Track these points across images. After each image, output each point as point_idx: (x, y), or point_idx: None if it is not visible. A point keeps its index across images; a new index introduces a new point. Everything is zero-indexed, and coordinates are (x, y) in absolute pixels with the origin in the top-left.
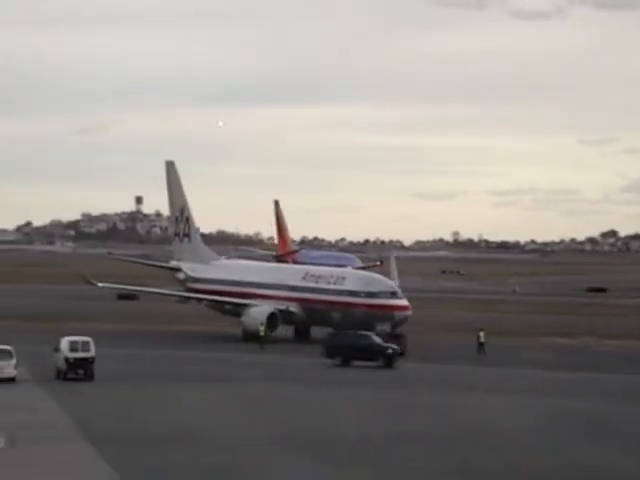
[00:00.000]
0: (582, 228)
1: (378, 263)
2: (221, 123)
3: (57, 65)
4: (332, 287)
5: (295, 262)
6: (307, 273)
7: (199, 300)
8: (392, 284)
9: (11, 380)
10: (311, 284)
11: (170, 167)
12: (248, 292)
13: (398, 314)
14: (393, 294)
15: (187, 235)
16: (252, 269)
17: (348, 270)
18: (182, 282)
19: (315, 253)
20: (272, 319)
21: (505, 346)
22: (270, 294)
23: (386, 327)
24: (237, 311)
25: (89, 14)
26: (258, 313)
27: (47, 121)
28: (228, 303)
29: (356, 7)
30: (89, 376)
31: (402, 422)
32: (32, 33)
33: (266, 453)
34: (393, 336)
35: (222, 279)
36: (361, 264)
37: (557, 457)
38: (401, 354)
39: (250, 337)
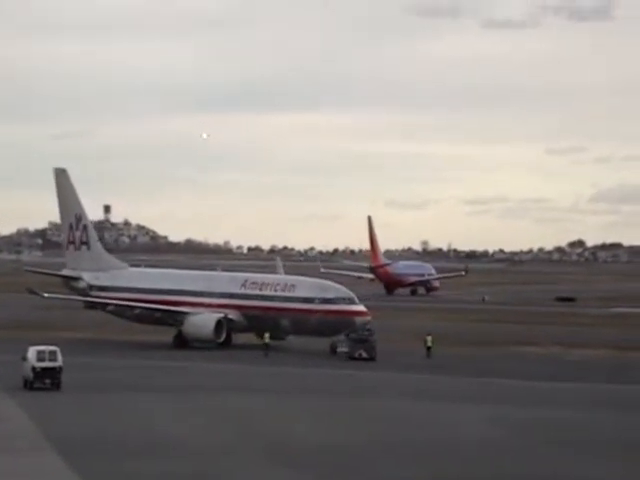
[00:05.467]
0: (550, 238)
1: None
2: (205, 135)
3: (30, 71)
4: (280, 294)
5: (388, 273)
6: (247, 280)
7: (104, 307)
8: (347, 290)
9: None
10: (254, 291)
11: (61, 174)
12: (177, 300)
13: (359, 319)
14: (350, 300)
15: (85, 243)
16: (178, 277)
17: (296, 277)
18: (81, 291)
19: (401, 264)
20: (218, 326)
21: (469, 355)
22: (203, 302)
23: (354, 334)
24: (170, 319)
25: (79, 21)
26: (204, 320)
27: (15, 128)
28: (163, 311)
29: (339, 17)
30: (56, 385)
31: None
32: (15, 38)
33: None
34: (360, 341)
35: (140, 287)
36: (434, 272)
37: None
38: (370, 359)
39: (182, 344)
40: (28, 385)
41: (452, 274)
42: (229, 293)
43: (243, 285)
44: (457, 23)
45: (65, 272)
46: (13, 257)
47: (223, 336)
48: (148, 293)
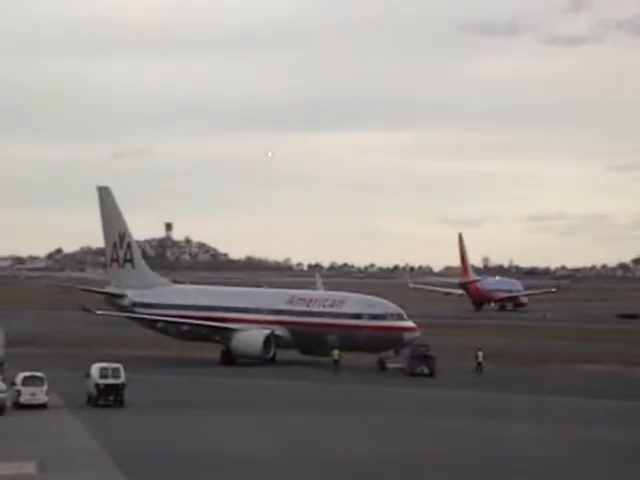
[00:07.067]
0: (613, 254)
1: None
2: (270, 153)
3: (93, 90)
4: (329, 310)
5: (477, 289)
6: (294, 297)
7: (148, 324)
8: (395, 306)
9: (43, 406)
10: (301, 307)
11: (104, 193)
12: (222, 317)
13: (407, 335)
14: (399, 316)
15: (130, 261)
16: (222, 294)
17: (345, 294)
18: (125, 308)
19: (490, 280)
20: (266, 342)
21: (528, 372)
22: (249, 318)
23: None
24: (217, 336)
25: (133, 41)
26: (252, 336)
27: (78, 146)
28: (211, 327)
29: (388, 35)
30: (119, 402)
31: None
32: (73, 58)
33: None
34: (421, 357)
35: (184, 304)
36: (522, 289)
37: None
38: (430, 374)
39: (229, 361)
40: (92, 402)
41: (541, 290)
42: (276, 309)
43: (290, 301)
44: (514, 40)
45: (109, 289)
46: (65, 275)
47: (271, 352)
48: (193, 310)
